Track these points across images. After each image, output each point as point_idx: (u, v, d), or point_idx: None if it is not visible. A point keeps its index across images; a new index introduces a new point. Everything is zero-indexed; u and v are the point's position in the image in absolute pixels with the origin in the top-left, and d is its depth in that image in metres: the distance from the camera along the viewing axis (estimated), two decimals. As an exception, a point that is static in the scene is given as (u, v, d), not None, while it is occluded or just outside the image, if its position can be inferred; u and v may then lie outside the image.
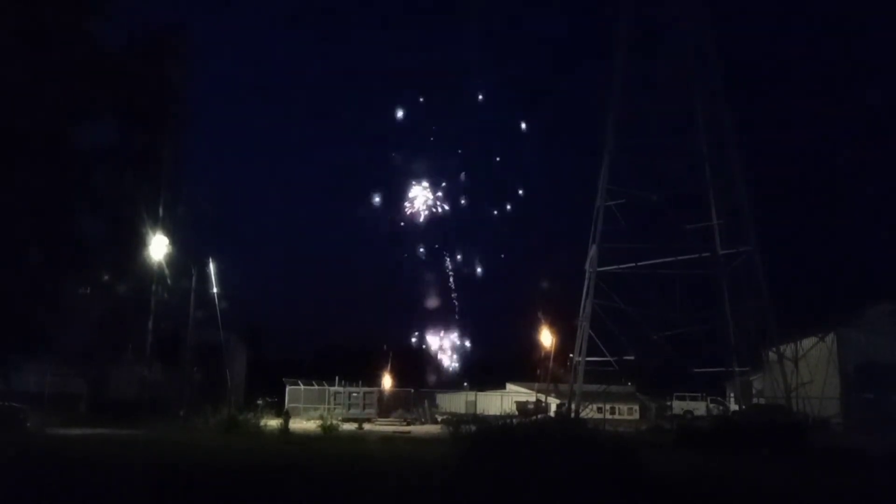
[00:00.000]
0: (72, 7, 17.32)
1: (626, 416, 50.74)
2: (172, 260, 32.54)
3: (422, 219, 77.24)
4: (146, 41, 19.52)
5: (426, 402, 48.22)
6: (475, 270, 78.93)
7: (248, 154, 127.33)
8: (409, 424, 40.40)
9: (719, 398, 48.21)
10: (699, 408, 45.99)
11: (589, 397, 44.27)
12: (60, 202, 18.03)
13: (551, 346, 47.50)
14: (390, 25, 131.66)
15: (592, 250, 43.67)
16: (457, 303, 79.02)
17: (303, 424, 33.96)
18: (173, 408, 34.21)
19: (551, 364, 47.21)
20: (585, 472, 13.60)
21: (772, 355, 42.01)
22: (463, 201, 79.03)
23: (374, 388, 47.75)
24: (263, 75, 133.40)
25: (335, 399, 43.98)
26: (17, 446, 20.33)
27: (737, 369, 42.26)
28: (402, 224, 77.70)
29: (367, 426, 37.06)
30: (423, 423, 41.61)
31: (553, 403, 46.10)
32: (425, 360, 78.14)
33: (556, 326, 47.95)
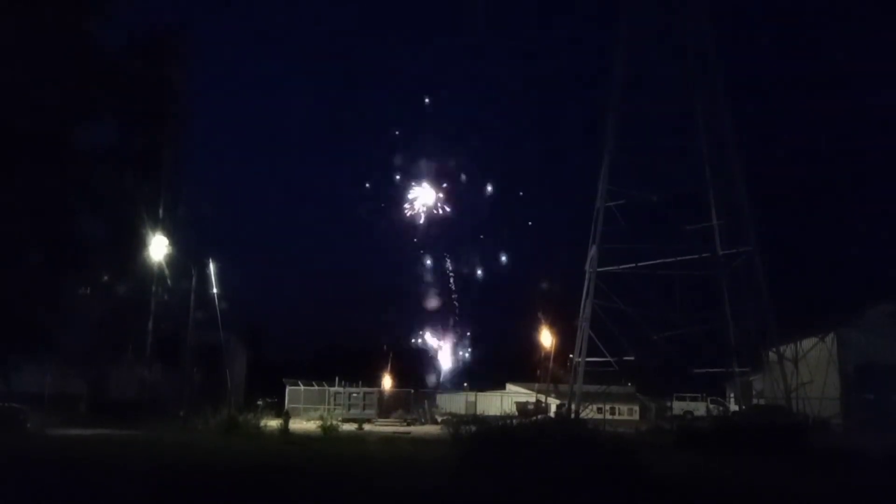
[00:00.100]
0: (72, 7, 17.31)
1: (626, 417, 50.73)
2: (172, 260, 32.57)
3: (422, 220, 77.18)
4: (146, 41, 19.49)
5: (426, 402, 48.25)
6: (475, 271, 78.85)
7: (248, 154, 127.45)
8: (409, 425, 40.40)
9: (719, 399, 48.21)
10: (699, 408, 45.98)
11: (589, 398, 44.26)
12: (60, 203, 18.01)
13: (551, 347, 47.55)
14: (391, 26, 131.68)
15: (592, 251, 43.67)
16: (457, 303, 78.99)
17: (303, 425, 33.95)
18: (173, 408, 34.21)
19: (551, 364, 47.25)
20: (586, 473, 13.61)
21: (772, 356, 42.00)
22: (463, 202, 79.02)
23: (374, 389, 47.75)
24: (264, 75, 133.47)
25: (335, 399, 43.98)
26: (17, 447, 20.35)
27: (737, 370, 42.28)
28: (403, 225, 77.65)
29: (367, 427, 37.05)
30: (423, 424, 41.61)
31: (553, 404, 46.10)
32: (425, 360, 78.13)
33: (556, 327, 48.05)
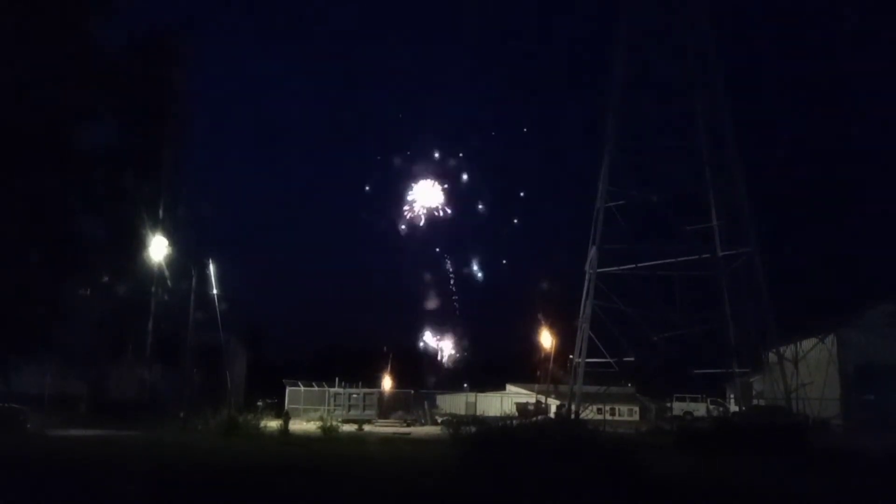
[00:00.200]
0: (72, 8, 17.32)
1: (626, 418, 50.64)
2: (172, 261, 32.56)
3: (422, 221, 77.17)
4: (146, 42, 19.51)
5: (426, 403, 48.20)
6: (475, 272, 78.84)
7: (248, 154, 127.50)
8: (409, 426, 40.38)
9: (719, 399, 48.19)
10: (699, 409, 45.93)
11: (589, 398, 44.25)
12: (60, 203, 18.02)
13: (551, 348, 47.53)
14: (391, 26, 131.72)
15: (592, 251, 43.68)
16: (457, 304, 78.99)
17: (303, 426, 33.92)
18: (173, 409, 34.18)
19: (551, 365, 47.22)
20: (586, 474, 13.61)
21: (772, 356, 42.01)
22: (463, 203, 79.06)
23: (374, 390, 47.72)
24: (264, 76, 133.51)
25: (335, 400, 43.95)
26: (17, 447, 20.35)
27: (737, 370, 42.30)
28: (403, 226, 77.65)
29: (367, 427, 37.03)
30: (423, 425, 41.60)
31: (553, 405, 46.07)
32: (425, 361, 78.11)
33: (555, 328, 48.03)
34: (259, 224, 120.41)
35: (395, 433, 33.85)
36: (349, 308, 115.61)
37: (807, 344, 42.10)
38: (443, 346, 78.67)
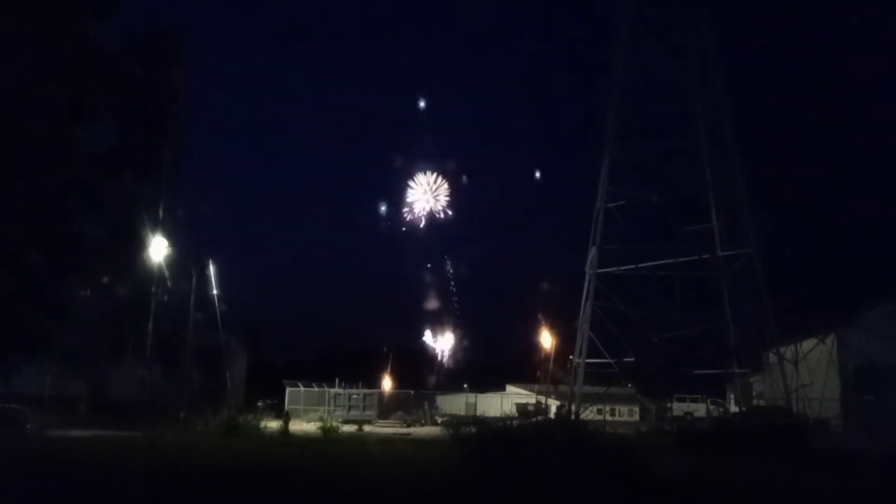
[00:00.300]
0: (72, 8, 17.32)
1: (626, 418, 50.68)
2: (172, 261, 32.54)
3: (422, 221, 77.19)
4: (147, 42, 19.51)
5: (426, 403, 48.22)
6: (475, 272, 78.92)
7: (248, 155, 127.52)
8: (409, 426, 40.38)
9: (719, 400, 48.21)
10: (699, 409, 45.98)
11: (589, 399, 44.26)
12: (60, 203, 18.02)
13: (551, 348, 47.54)
14: (391, 26, 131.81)
15: (592, 252, 43.66)
16: (457, 304, 78.98)
17: (303, 426, 33.92)
18: (173, 409, 34.17)
19: (551, 366, 47.23)
20: (586, 474, 13.61)
21: (772, 357, 42.02)
22: (464, 203, 79.12)
23: (374, 390, 47.72)
24: (264, 76, 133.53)
25: (335, 401, 43.94)
26: (17, 448, 20.33)
27: (737, 371, 42.26)
28: (403, 227, 77.67)
29: (367, 428, 37.03)
30: (423, 425, 41.59)
31: (553, 405, 46.09)
32: (425, 361, 78.10)
33: (555, 328, 48.06)
34: (259, 224, 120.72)
35: (395, 434, 33.85)
36: (349, 308, 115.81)
37: (807, 344, 42.10)
38: (443, 346, 78.70)
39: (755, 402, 45.57)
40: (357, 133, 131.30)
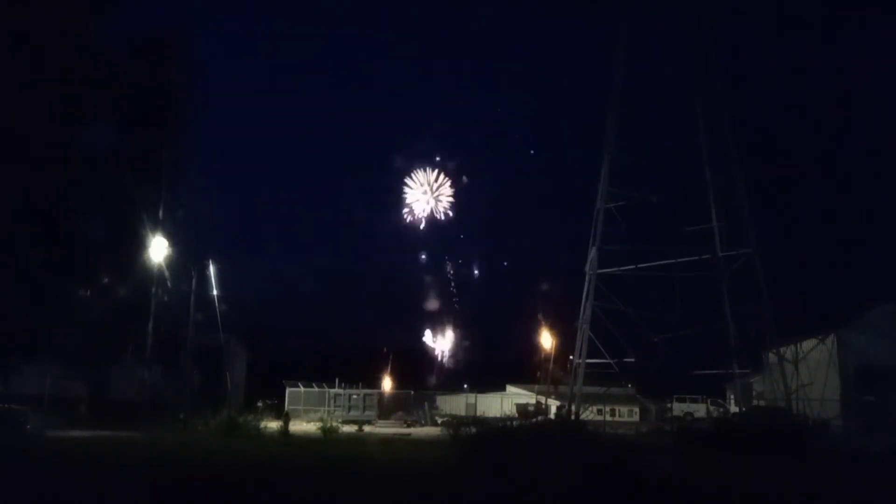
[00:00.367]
0: (73, 9, 17.34)
1: (626, 419, 50.71)
2: (172, 262, 32.57)
3: (422, 222, 77.31)
4: (147, 44, 19.55)
5: (426, 404, 48.21)
6: (475, 272, 78.98)
7: (248, 155, 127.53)
8: (409, 426, 40.37)
9: (719, 400, 48.19)
10: (699, 410, 45.96)
11: (589, 399, 44.26)
12: (61, 204, 18.04)
13: (551, 349, 47.55)
14: (392, 27, 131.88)
15: (592, 252, 43.66)
16: (457, 305, 79.05)
17: (303, 427, 33.92)
18: (173, 410, 34.17)
19: (551, 366, 47.24)
20: (586, 474, 13.60)
21: (772, 357, 42.02)
22: (464, 204, 79.19)
23: (375, 391, 47.74)
24: (264, 77, 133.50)
25: (335, 401, 43.95)
26: (17, 448, 20.32)
27: (737, 371, 42.26)
28: (403, 226, 77.79)
29: (367, 428, 37.01)
30: (423, 426, 41.58)
31: (553, 405, 46.09)
32: (425, 361, 78.17)
33: (556, 328, 48.06)
34: (259, 224, 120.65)
35: (395, 434, 33.83)
36: (349, 309, 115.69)
37: (807, 345, 42.10)
38: (443, 346, 78.79)
39: (755, 402, 45.57)
40: (357, 133, 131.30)
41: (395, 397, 47.69)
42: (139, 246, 25.94)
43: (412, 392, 48.67)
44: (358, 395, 44.94)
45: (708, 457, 21.34)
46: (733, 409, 44.60)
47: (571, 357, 45.29)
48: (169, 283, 33.57)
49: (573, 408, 42.00)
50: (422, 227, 76.73)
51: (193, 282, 36.04)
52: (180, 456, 21.05)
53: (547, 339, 47.87)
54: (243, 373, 55.66)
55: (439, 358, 79.20)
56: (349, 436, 31.07)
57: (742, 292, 41.11)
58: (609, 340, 41.35)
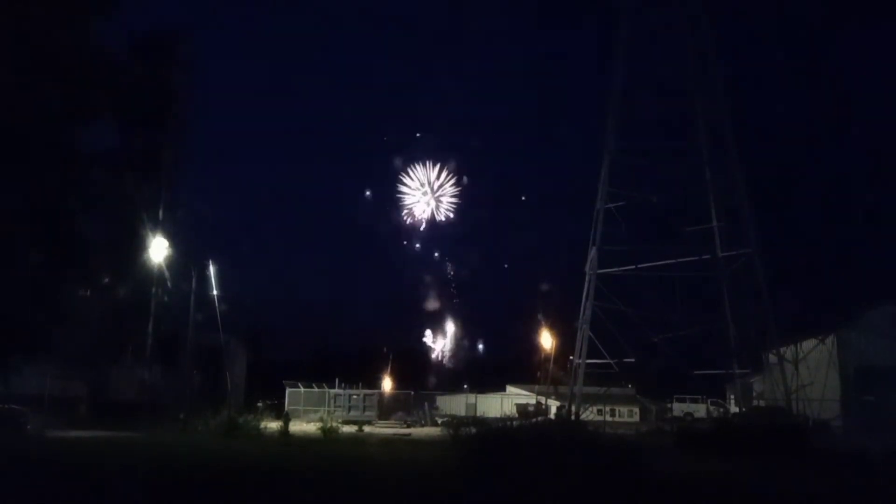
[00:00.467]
0: (73, 9, 17.34)
1: (626, 419, 50.70)
2: (172, 262, 32.58)
3: (423, 223, 77.36)
4: (148, 44, 19.55)
5: (426, 404, 48.19)
6: (475, 273, 79.04)
7: (248, 156, 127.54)
8: (409, 427, 40.36)
9: (719, 400, 48.20)
10: (699, 410, 45.97)
11: (589, 399, 44.22)
12: (61, 204, 18.04)
13: (551, 349, 47.56)
14: (392, 27, 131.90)
15: (592, 252, 43.65)
16: (457, 305, 79.09)
17: (303, 427, 33.92)
18: (173, 410, 34.17)
19: (551, 366, 47.24)
20: (586, 475, 13.59)
21: (772, 357, 42.00)
22: (464, 204, 79.24)
23: (375, 391, 47.75)
24: (264, 77, 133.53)
25: (335, 401, 43.95)
26: (16, 449, 20.33)
27: (737, 371, 42.27)
28: (403, 226, 77.82)
29: (367, 429, 37.01)
30: (423, 426, 41.58)
31: (553, 406, 46.08)
32: (425, 362, 78.19)
33: (556, 329, 48.09)
34: (259, 224, 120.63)
35: (395, 434, 33.84)
36: (349, 309, 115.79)
37: (807, 345, 42.08)
38: (443, 346, 78.82)
39: (755, 402, 45.56)
40: (358, 133, 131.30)
41: (395, 397, 47.68)
42: (139, 246, 25.94)
43: (412, 392, 48.66)
44: (358, 395, 44.95)
45: (708, 457, 21.34)
46: (733, 409, 44.61)
47: (571, 357, 45.28)
48: (169, 284, 33.60)
49: (573, 408, 41.97)
50: (422, 228, 76.80)
51: (193, 282, 36.05)
52: (180, 456, 21.04)
53: (547, 340, 47.93)
54: (243, 373, 55.68)
55: (439, 358, 79.27)
56: (349, 436, 31.06)
57: (742, 292, 41.11)
58: (609, 340, 41.37)
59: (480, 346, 78.32)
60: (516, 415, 41.95)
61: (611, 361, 41.72)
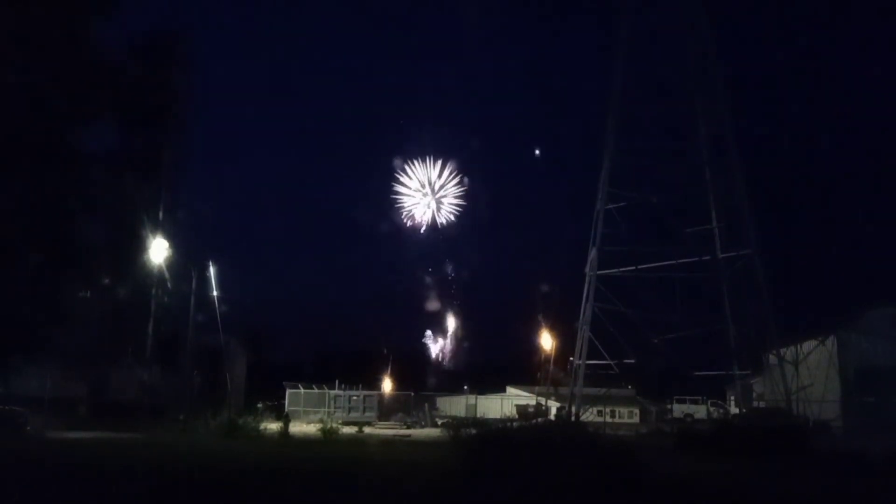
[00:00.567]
0: (73, 9, 17.34)
1: (626, 420, 50.65)
2: (172, 263, 32.58)
3: (423, 224, 77.37)
4: (148, 45, 19.56)
5: (426, 405, 48.20)
6: (475, 274, 79.05)
7: (248, 157, 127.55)
8: (409, 428, 40.33)
9: (719, 401, 48.19)
10: (699, 411, 45.95)
11: (589, 400, 44.20)
12: (61, 205, 18.04)
13: (551, 350, 47.55)
14: (392, 28, 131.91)
15: (592, 253, 43.64)
16: (457, 306, 79.09)
17: (303, 428, 33.89)
18: (173, 411, 34.16)
19: (551, 367, 47.23)
20: (586, 476, 13.58)
21: (772, 358, 42.00)
22: (465, 205, 79.28)
23: (375, 392, 47.70)
24: (264, 78, 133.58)
25: (335, 402, 43.92)
26: (16, 449, 20.31)
27: (737, 372, 42.29)
28: (404, 228, 77.84)
29: (367, 430, 36.97)
30: (423, 427, 41.55)
31: (553, 407, 46.05)
32: (425, 363, 78.18)
33: (556, 330, 48.06)
34: (259, 225, 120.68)
35: (395, 435, 33.81)
36: (349, 310, 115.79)
37: (807, 346, 42.08)
38: (443, 348, 78.81)
39: (755, 403, 45.56)
40: (359, 135, 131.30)
41: (395, 398, 47.64)
42: (139, 246, 25.93)
43: (412, 393, 48.63)
44: (358, 396, 44.92)
45: (708, 458, 21.33)
46: (733, 410, 44.60)
47: (571, 358, 45.27)
48: (169, 284, 33.60)
49: (573, 409, 41.97)
50: (423, 230, 76.82)
51: (193, 282, 36.01)
52: (180, 457, 21.01)
53: (547, 341, 47.91)
54: (243, 374, 55.64)
55: (439, 359, 79.26)
56: (349, 437, 31.02)
57: (742, 293, 41.14)
58: (609, 341, 41.38)
59: (480, 347, 78.41)
60: (516, 416, 41.93)
61: (611, 362, 41.72)
